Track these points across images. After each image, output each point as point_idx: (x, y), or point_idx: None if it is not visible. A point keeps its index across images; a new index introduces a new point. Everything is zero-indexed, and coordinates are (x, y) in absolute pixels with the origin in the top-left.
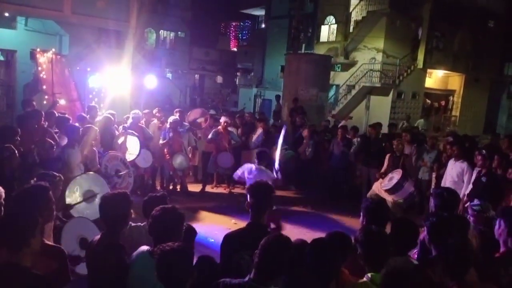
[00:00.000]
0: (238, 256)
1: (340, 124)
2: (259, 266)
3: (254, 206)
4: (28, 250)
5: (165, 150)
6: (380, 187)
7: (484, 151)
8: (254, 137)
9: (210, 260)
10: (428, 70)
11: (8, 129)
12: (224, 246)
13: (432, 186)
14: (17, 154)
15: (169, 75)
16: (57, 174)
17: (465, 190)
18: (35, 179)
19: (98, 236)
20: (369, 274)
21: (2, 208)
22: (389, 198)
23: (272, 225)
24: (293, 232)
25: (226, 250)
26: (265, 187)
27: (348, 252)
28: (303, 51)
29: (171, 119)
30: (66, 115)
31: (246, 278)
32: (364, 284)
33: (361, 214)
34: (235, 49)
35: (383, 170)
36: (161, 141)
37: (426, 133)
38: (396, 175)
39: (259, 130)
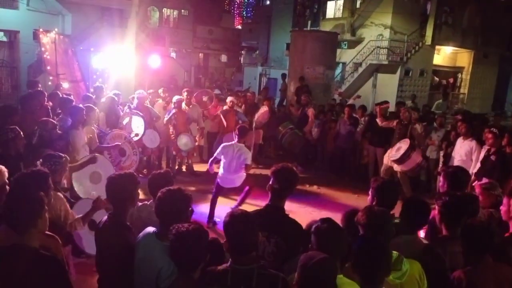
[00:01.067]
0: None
1: (348, 103)
2: (230, 248)
3: (276, 190)
4: (35, 231)
5: (171, 131)
6: (388, 158)
7: (495, 129)
8: (257, 115)
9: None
10: (437, 47)
11: (7, 108)
12: None
13: (440, 165)
14: (22, 135)
15: (173, 54)
16: (63, 155)
17: (473, 169)
18: (41, 160)
19: (106, 217)
20: None
21: (7, 187)
22: (397, 169)
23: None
24: (299, 211)
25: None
26: (291, 173)
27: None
28: (309, 28)
29: (175, 98)
30: (71, 96)
31: (228, 263)
32: None
33: (370, 193)
34: (239, 26)
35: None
36: (165, 121)
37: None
38: (403, 145)
39: (264, 109)
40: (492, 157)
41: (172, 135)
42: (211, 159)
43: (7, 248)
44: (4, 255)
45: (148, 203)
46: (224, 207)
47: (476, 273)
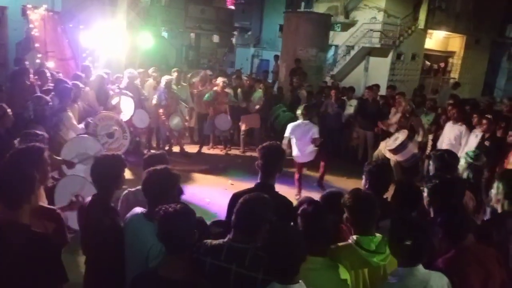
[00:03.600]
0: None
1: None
2: (235, 225)
3: (264, 167)
4: (28, 207)
5: (161, 111)
6: (385, 147)
7: (490, 115)
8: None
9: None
10: (429, 31)
11: None
12: (231, 204)
13: (429, 149)
14: (10, 113)
15: (164, 34)
16: (40, 133)
17: (461, 153)
18: (18, 139)
19: (89, 198)
20: (354, 236)
21: None
22: (392, 158)
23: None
24: (289, 192)
25: (233, 208)
26: (276, 150)
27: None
28: (302, 9)
29: (165, 78)
30: (60, 74)
31: (226, 239)
32: (347, 246)
33: (364, 177)
34: (232, 7)
35: (389, 121)
36: (154, 101)
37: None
38: (401, 136)
39: (259, 92)
40: (486, 143)
41: (163, 116)
42: (284, 141)
43: None
44: None
45: (137, 188)
46: (215, 188)
47: (458, 258)
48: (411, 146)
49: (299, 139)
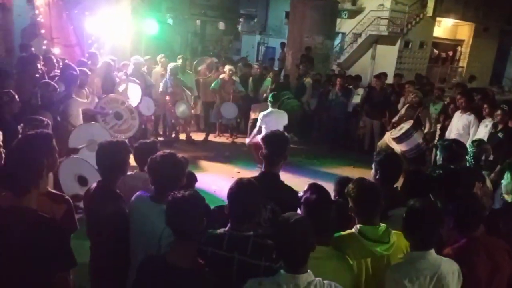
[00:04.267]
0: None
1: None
2: (231, 214)
3: (268, 156)
4: (36, 192)
5: (167, 98)
6: (389, 136)
7: (505, 106)
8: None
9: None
10: (437, 19)
11: (1, 72)
12: None
13: (436, 138)
14: (17, 99)
15: (170, 21)
16: (44, 119)
17: (469, 143)
18: (21, 124)
19: (95, 184)
20: (357, 226)
21: (2, 150)
22: (397, 148)
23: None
24: (294, 181)
25: None
26: (281, 138)
27: None
28: None
29: (171, 65)
30: (66, 61)
31: (226, 228)
32: (350, 235)
33: (373, 167)
34: None
35: (395, 118)
36: (160, 89)
37: None
38: (406, 125)
39: (268, 80)
40: (500, 134)
41: (169, 103)
42: (255, 132)
43: (5, 208)
44: (2, 216)
45: (136, 171)
46: (221, 176)
47: (468, 248)
48: (415, 136)
49: (271, 127)
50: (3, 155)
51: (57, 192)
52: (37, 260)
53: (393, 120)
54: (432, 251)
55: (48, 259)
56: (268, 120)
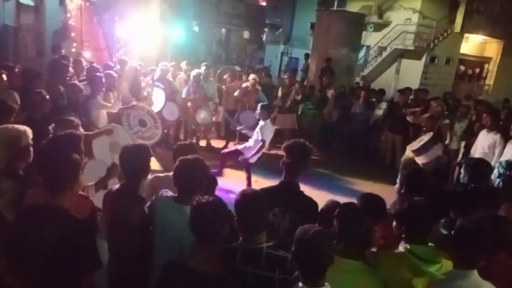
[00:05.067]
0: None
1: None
2: (241, 227)
3: (289, 165)
4: (70, 193)
5: (189, 104)
6: (409, 150)
7: None
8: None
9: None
10: (465, 35)
11: (30, 72)
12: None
13: (460, 156)
14: (48, 99)
15: (195, 28)
16: (75, 119)
17: (495, 163)
18: (53, 124)
19: (117, 186)
20: (407, 245)
21: (31, 149)
22: (417, 161)
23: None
24: (312, 193)
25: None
26: (303, 148)
27: (382, 216)
28: (335, 8)
29: (194, 72)
30: (94, 64)
31: (239, 241)
32: (401, 255)
33: (399, 182)
34: (264, 3)
35: (418, 115)
36: (183, 95)
37: None
38: (426, 137)
39: (293, 91)
40: None
41: (191, 109)
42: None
43: (39, 206)
44: (36, 214)
45: (165, 175)
46: (240, 183)
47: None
48: (435, 149)
49: (266, 138)
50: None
51: (82, 193)
52: (66, 260)
53: (409, 115)
54: (475, 272)
55: (77, 259)
56: (265, 132)
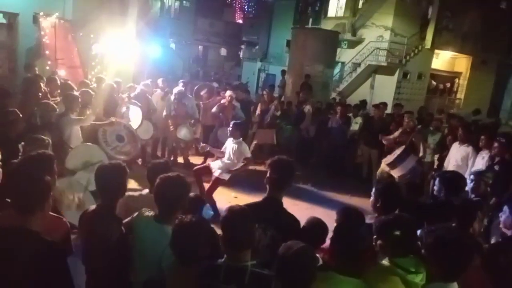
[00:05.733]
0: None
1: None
2: (226, 243)
3: (274, 182)
4: (40, 214)
5: (169, 121)
6: (384, 164)
7: (503, 138)
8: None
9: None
10: (436, 51)
11: (1, 91)
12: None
13: (434, 169)
14: (22, 118)
15: (172, 45)
16: (46, 138)
17: (468, 175)
18: (22, 143)
19: (93, 206)
20: (387, 258)
21: (0, 169)
22: (393, 174)
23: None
24: (292, 208)
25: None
26: (288, 164)
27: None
28: (310, 25)
29: (176, 90)
30: (69, 82)
31: (223, 259)
32: (387, 267)
33: (373, 195)
34: (240, 21)
35: (391, 136)
36: (164, 113)
37: None
38: (399, 151)
39: (273, 107)
40: (496, 167)
41: (171, 126)
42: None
43: (8, 229)
44: (4, 237)
45: (139, 194)
46: (218, 200)
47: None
48: (409, 160)
49: (237, 156)
50: (1, 175)
51: (56, 215)
52: (36, 284)
53: (386, 138)
54: (455, 284)
55: (48, 283)
56: (245, 148)
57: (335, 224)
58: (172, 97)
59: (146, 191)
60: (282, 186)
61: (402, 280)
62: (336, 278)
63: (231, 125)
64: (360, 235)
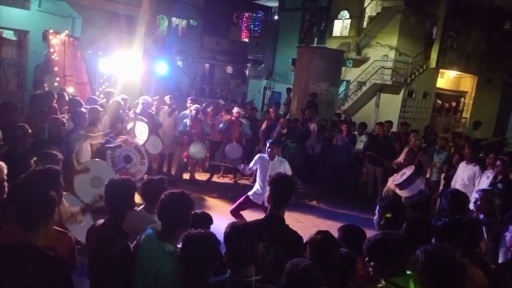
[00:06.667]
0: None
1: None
2: (230, 259)
3: (275, 198)
4: (44, 230)
5: (184, 138)
6: (392, 181)
7: (506, 157)
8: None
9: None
10: (441, 70)
11: (7, 106)
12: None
13: (441, 188)
14: (30, 133)
15: (179, 63)
16: (58, 154)
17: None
18: (34, 158)
19: (102, 221)
20: (389, 279)
21: (5, 184)
22: (400, 194)
23: None
24: (297, 226)
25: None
26: (288, 181)
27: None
28: (315, 44)
29: (193, 107)
30: (77, 98)
31: (227, 274)
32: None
33: (377, 213)
34: (246, 39)
35: (397, 160)
36: (180, 128)
37: None
38: (408, 171)
39: (279, 125)
40: (500, 185)
41: (185, 142)
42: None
43: (12, 245)
44: (8, 253)
45: (138, 209)
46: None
47: None
48: (418, 182)
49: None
50: (6, 189)
51: (60, 229)
52: None
53: (394, 162)
54: None
55: None
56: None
57: None
58: (190, 114)
59: (141, 208)
60: (283, 202)
61: None
62: None
63: (268, 146)
64: (333, 247)
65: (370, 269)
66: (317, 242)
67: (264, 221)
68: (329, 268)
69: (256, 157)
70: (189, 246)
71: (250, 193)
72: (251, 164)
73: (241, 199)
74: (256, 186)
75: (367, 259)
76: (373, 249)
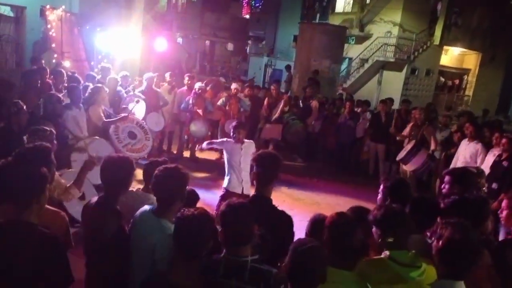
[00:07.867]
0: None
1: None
2: (226, 238)
3: (260, 177)
4: (37, 207)
5: (187, 115)
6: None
7: (511, 135)
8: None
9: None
10: (444, 47)
11: (3, 82)
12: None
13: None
14: (25, 110)
15: (179, 40)
16: (48, 129)
17: None
18: (27, 135)
19: (96, 198)
20: (387, 252)
21: None
22: (407, 169)
23: None
24: (297, 204)
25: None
26: (273, 157)
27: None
28: (317, 21)
29: (197, 85)
30: (76, 75)
31: (222, 254)
32: (381, 260)
33: (381, 192)
34: (247, 16)
35: (403, 133)
36: (182, 106)
37: None
38: (409, 146)
39: (282, 103)
40: (505, 163)
41: (187, 120)
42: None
43: (5, 223)
44: (4, 230)
45: (135, 189)
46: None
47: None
48: (420, 154)
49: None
50: None
51: (54, 208)
52: (37, 276)
53: (400, 134)
54: (462, 283)
55: (47, 275)
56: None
57: None
58: (192, 92)
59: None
60: (268, 181)
61: (395, 275)
62: (328, 270)
63: (232, 129)
64: (352, 233)
65: (374, 235)
66: (338, 226)
67: (250, 201)
68: (346, 252)
69: (223, 140)
70: (181, 228)
71: (225, 185)
72: (216, 142)
73: (219, 202)
74: (230, 175)
75: (374, 228)
76: (381, 219)
